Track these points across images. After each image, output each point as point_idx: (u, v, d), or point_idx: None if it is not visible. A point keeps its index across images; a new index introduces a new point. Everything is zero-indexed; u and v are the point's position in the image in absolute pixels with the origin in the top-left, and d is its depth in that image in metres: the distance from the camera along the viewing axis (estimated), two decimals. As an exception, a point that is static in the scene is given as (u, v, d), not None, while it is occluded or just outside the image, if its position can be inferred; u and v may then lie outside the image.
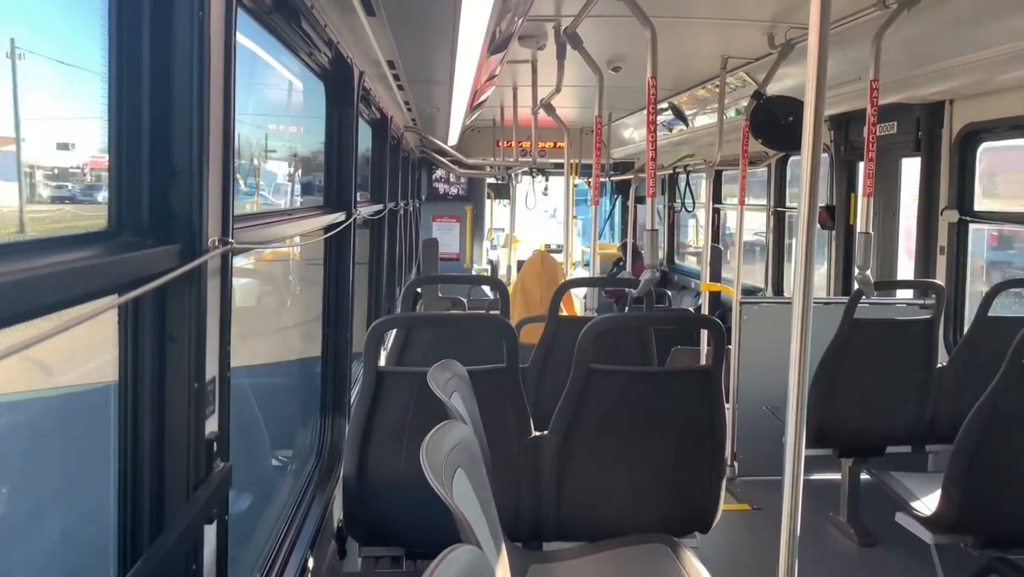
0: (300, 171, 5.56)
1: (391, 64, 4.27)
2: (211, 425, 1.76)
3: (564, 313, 5.36)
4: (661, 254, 11.12)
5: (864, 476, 4.40)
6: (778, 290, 7.83)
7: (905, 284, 5.68)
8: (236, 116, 1.83)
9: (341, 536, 3.44)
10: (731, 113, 6.40)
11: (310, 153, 4.89)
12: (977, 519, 3.24)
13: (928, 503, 3.50)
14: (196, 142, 1.60)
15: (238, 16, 1.83)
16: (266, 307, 4.61)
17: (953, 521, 3.25)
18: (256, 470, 3.39)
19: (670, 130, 8.40)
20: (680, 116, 7.44)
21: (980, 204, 5.04)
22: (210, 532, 1.77)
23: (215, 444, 1.76)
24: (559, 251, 9.34)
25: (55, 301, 1.18)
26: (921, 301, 5.23)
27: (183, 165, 1.60)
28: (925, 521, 3.36)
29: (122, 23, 1.52)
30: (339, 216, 3.62)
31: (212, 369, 1.74)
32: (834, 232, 6.41)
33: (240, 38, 1.89)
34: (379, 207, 5.80)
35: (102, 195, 1.55)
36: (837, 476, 4.57)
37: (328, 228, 3.48)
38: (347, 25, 3.27)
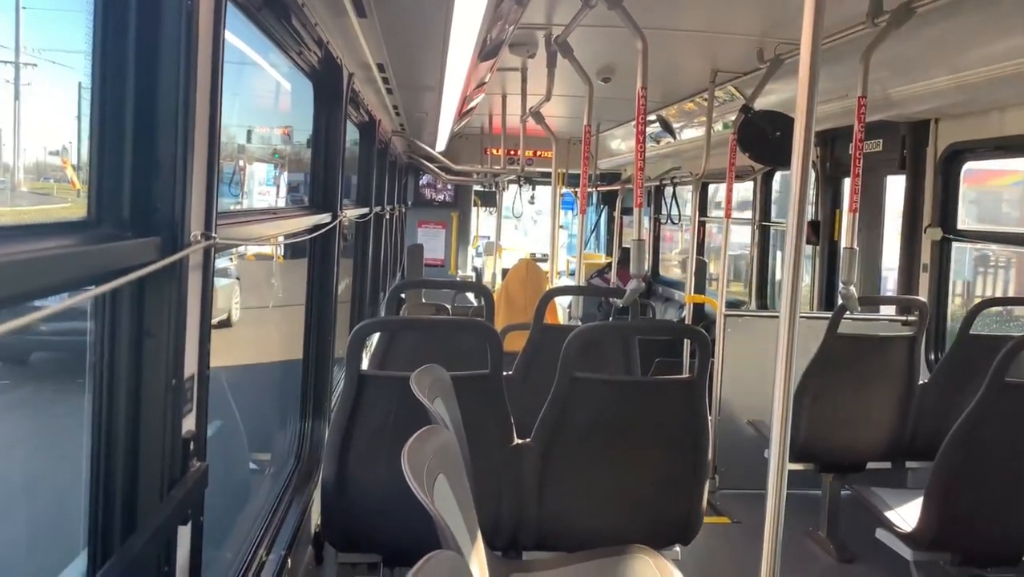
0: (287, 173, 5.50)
1: (381, 67, 4.25)
2: (188, 424, 1.72)
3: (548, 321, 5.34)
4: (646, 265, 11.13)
5: (844, 491, 4.40)
6: (762, 303, 7.86)
7: (888, 300, 5.71)
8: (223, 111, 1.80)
9: (318, 542, 3.39)
10: (719, 127, 6.42)
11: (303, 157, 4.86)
12: (956, 536, 3.25)
13: (908, 519, 3.50)
14: (181, 135, 1.57)
15: (227, 9, 1.80)
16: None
17: (932, 538, 3.25)
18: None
19: (657, 142, 8.43)
20: (668, 128, 7.47)
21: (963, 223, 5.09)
22: (184, 533, 1.73)
23: (192, 443, 1.72)
24: (544, 260, 9.34)
25: (27, 291, 1.15)
26: (904, 318, 5.26)
27: (167, 158, 1.57)
28: (905, 537, 3.36)
29: (108, 10, 1.49)
30: (324, 217, 3.59)
31: (191, 366, 1.70)
32: (818, 247, 6.44)
33: (228, 35, 1.87)
34: (365, 210, 5.77)
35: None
36: (817, 491, 4.57)
37: (313, 229, 3.45)
38: (338, 25, 3.25)
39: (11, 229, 1.28)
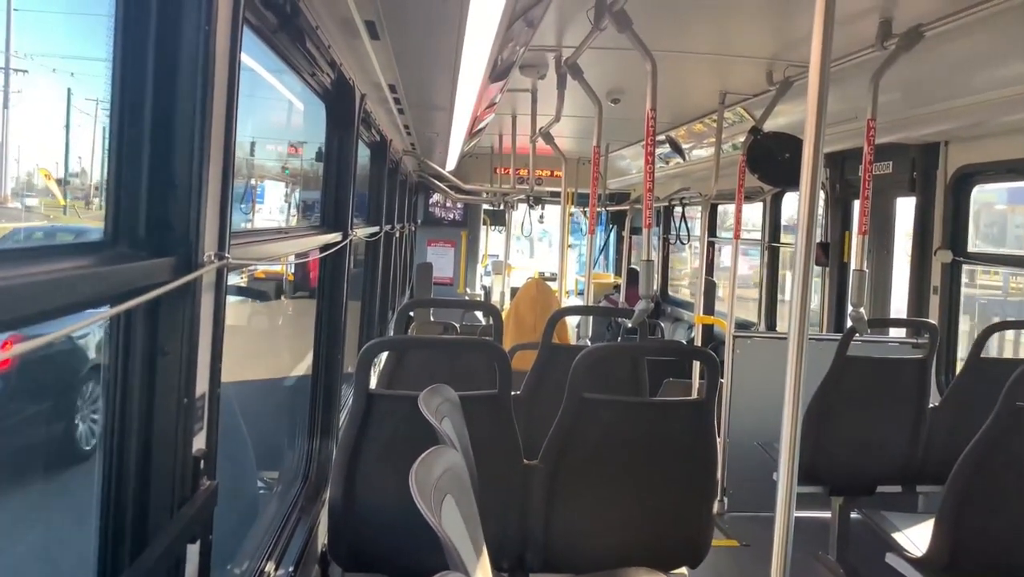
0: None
1: (392, 88, 4.29)
2: (199, 442, 1.73)
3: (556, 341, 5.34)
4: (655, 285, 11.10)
5: (854, 515, 4.36)
6: (771, 325, 7.84)
7: (899, 323, 5.69)
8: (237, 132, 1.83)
9: (325, 561, 3.38)
10: (728, 148, 6.44)
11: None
12: (968, 561, 3.21)
13: (918, 544, 3.47)
14: (197, 156, 1.59)
15: (243, 33, 1.83)
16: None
17: (943, 563, 3.22)
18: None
19: (666, 163, 8.46)
20: (677, 149, 7.50)
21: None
22: (193, 552, 1.73)
23: (202, 461, 1.73)
24: (553, 279, 9.35)
25: (46, 310, 1.17)
26: (914, 340, 5.24)
27: (183, 178, 1.59)
28: (915, 562, 3.32)
29: (128, 32, 1.52)
30: (335, 236, 3.61)
31: (202, 385, 1.72)
32: (827, 269, 6.43)
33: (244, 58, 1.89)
34: (375, 229, 5.80)
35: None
36: (826, 514, 4.54)
37: (324, 248, 3.47)
38: (350, 48, 3.29)
39: (32, 251, 1.31)
